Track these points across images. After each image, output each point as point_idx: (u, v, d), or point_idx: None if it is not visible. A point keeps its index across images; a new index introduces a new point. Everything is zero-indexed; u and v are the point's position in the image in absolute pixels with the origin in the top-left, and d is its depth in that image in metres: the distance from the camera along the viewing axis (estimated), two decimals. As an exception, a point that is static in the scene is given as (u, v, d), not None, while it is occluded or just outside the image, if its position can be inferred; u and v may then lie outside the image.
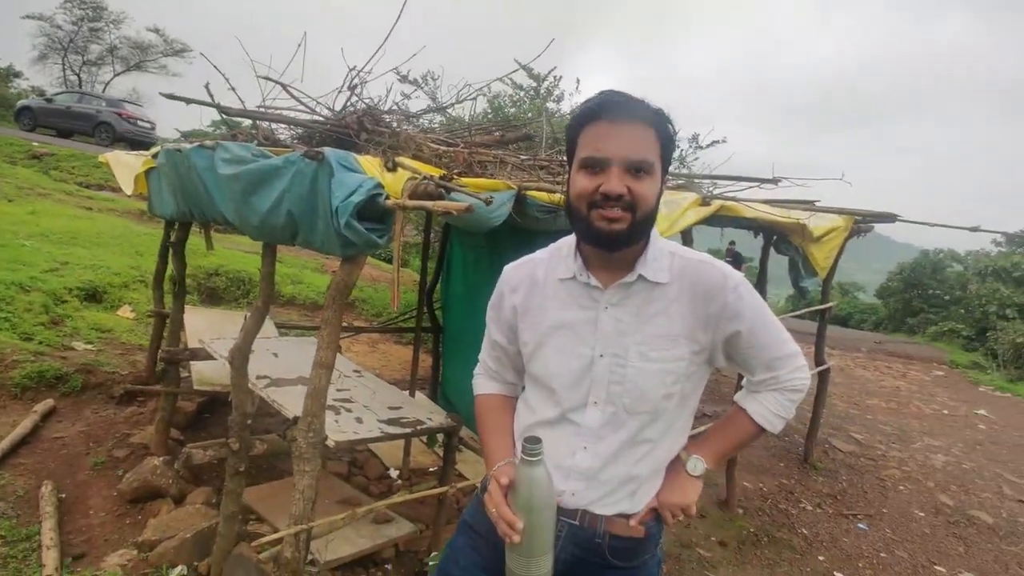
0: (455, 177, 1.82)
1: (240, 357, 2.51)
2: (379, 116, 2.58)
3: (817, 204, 4.74)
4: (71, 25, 28.69)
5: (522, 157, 2.64)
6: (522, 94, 8.68)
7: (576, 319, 1.37)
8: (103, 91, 28.24)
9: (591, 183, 1.26)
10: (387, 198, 1.81)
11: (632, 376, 1.34)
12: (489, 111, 8.04)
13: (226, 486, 2.53)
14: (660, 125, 1.27)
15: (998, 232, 10.16)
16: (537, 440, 1.25)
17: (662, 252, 1.38)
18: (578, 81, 8.99)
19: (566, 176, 1.40)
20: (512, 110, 8.28)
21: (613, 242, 1.28)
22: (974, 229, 5.18)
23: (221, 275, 7.72)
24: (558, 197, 2.33)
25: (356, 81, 2.54)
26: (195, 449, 2.45)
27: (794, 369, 1.43)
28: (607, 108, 1.25)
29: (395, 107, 3.40)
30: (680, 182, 3.74)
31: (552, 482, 1.29)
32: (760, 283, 4.77)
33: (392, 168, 1.92)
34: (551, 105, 8.51)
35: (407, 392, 4.68)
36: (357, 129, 2.47)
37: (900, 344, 14.79)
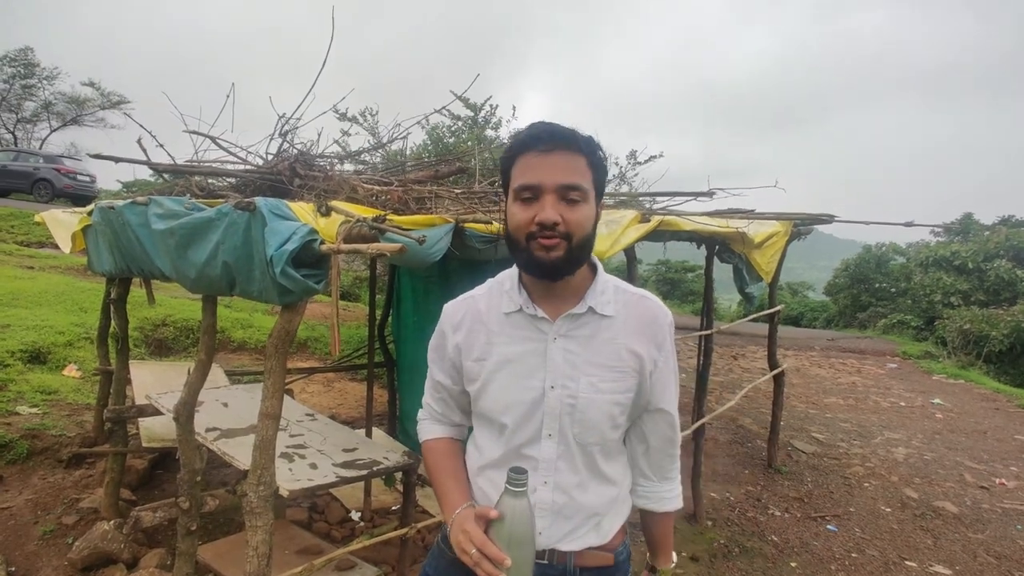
0: (388, 217, 1.82)
1: (185, 412, 2.45)
2: (311, 161, 2.57)
3: (755, 211, 4.87)
4: (2, 84, 27.98)
5: (456, 191, 2.66)
6: (460, 124, 8.79)
7: (524, 352, 1.36)
8: (40, 148, 27.57)
9: (526, 214, 1.26)
10: (321, 243, 1.80)
11: (583, 407, 1.34)
12: (429, 143, 8.11)
13: (178, 547, 2.45)
14: (590, 152, 1.30)
15: (932, 225, 10.67)
16: (523, 470, 1.21)
17: (607, 286, 1.41)
18: (514, 108, 9.11)
19: (503, 207, 1.40)
20: (451, 140, 8.36)
21: (553, 270, 1.28)
22: (908, 224, 5.38)
23: (169, 326, 7.56)
24: (496, 227, 2.36)
25: (287, 128, 2.54)
26: (143, 512, 2.36)
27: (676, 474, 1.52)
28: (537, 138, 1.27)
29: (336, 144, 3.39)
30: (622, 199, 3.80)
31: (533, 514, 1.25)
32: (706, 293, 4.87)
33: (325, 213, 1.91)
34: (489, 133, 8.61)
35: (363, 431, 4.62)
36: (290, 176, 2.46)
37: (853, 340, 15.16)
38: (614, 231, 3.19)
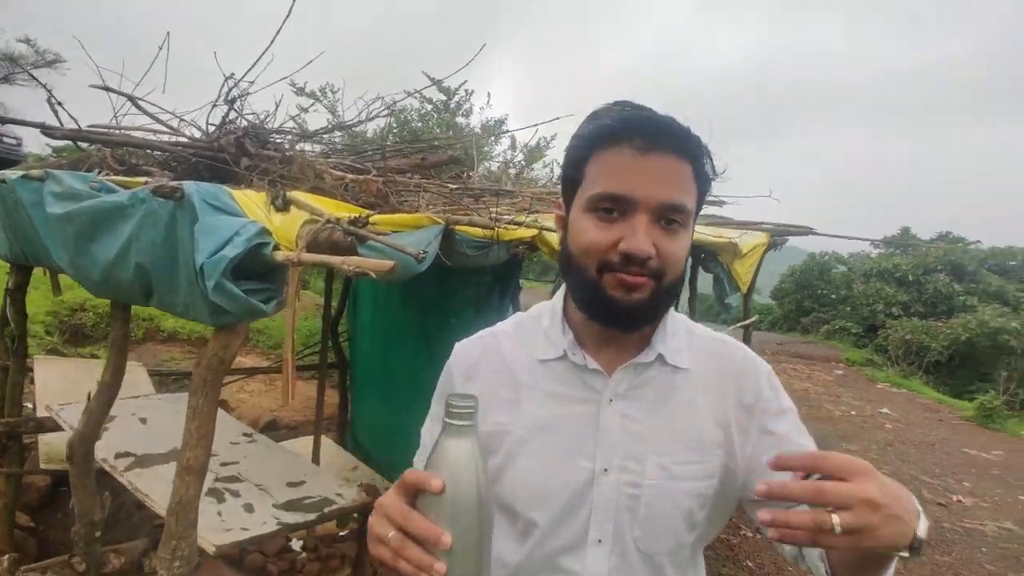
0: (369, 219, 1.33)
1: (82, 450, 1.92)
2: (265, 136, 2.04)
3: (762, 223, 4.82)
4: (-74, 37, 25.60)
5: (452, 186, 2.16)
6: (430, 108, 8.16)
7: (567, 417, 0.97)
8: (-34, 108, 25.37)
9: (605, 235, 0.88)
10: (275, 249, 1.31)
11: (650, 500, 0.93)
12: (394, 125, 7.50)
13: (70, 621, 1.93)
14: (699, 160, 0.90)
15: (907, 243, 10.79)
16: (470, 396, 0.75)
17: (679, 328, 1.01)
18: (489, 95, 8.62)
19: (559, 213, 1.01)
20: (418, 125, 7.78)
21: (631, 318, 0.91)
22: (886, 242, 5.25)
23: (88, 311, 6.77)
24: (494, 232, 1.89)
25: (235, 93, 2.00)
26: (28, 573, 1.85)
27: None
28: (635, 128, 0.87)
29: (293, 121, 2.86)
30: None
31: (486, 465, 0.76)
32: (691, 302, 4.66)
33: (282, 206, 1.42)
34: (460, 120, 8.07)
35: (311, 450, 4.10)
36: (236, 153, 1.92)
37: (800, 344, 15.42)
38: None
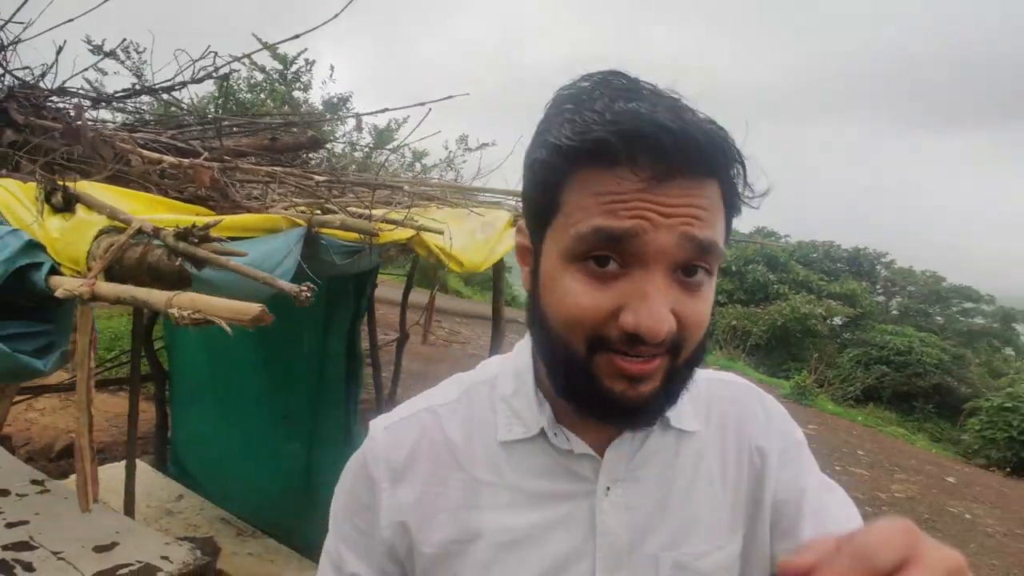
0: (208, 232, 0.87)
1: None
2: (41, 99, 1.45)
3: None
4: None
5: (318, 177, 1.66)
6: (262, 77, 7.23)
7: (551, 524, 0.67)
8: None
9: (598, 300, 0.57)
10: (54, 272, 0.84)
11: None
12: (217, 95, 6.54)
13: None
14: (728, 172, 0.59)
15: (736, 240, 12.01)
16: None
17: None
18: (332, 68, 7.88)
19: (522, 243, 0.68)
20: (248, 96, 6.87)
21: (635, 416, 0.62)
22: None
23: None
24: (376, 234, 1.47)
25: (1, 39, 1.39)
26: None
27: None
28: (640, 145, 0.54)
29: (84, 80, 2.21)
30: (497, 199, 3.06)
31: None
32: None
33: (65, 204, 0.93)
34: (298, 94, 7.28)
35: (123, 505, 3.40)
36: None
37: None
38: (490, 237, 2.51)
